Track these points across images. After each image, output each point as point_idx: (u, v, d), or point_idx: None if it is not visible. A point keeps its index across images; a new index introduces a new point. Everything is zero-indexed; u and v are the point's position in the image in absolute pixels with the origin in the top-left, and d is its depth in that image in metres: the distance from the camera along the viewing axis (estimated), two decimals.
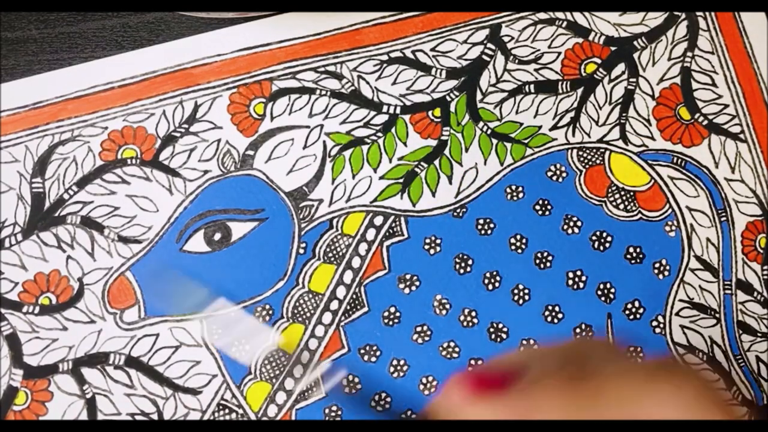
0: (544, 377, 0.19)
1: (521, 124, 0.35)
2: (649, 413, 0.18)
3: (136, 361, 0.33)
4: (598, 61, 0.36)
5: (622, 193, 0.35)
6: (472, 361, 0.33)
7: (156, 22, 0.35)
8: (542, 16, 0.36)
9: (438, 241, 0.34)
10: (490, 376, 0.19)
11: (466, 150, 0.35)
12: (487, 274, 0.34)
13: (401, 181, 0.35)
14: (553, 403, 0.18)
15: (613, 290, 0.34)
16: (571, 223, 0.34)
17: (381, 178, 0.35)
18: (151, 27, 0.35)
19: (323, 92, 0.35)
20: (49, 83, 0.35)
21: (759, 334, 0.34)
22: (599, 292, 0.34)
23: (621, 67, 0.36)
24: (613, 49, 0.36)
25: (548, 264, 0.34)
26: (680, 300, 0.34)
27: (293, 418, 0.33)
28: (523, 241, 0.34)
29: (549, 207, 0.34)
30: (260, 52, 0.35)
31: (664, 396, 0.18)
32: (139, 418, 0.33)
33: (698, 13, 0.36)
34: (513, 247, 0.34)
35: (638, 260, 0.34)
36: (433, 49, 0.36)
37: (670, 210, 0.35)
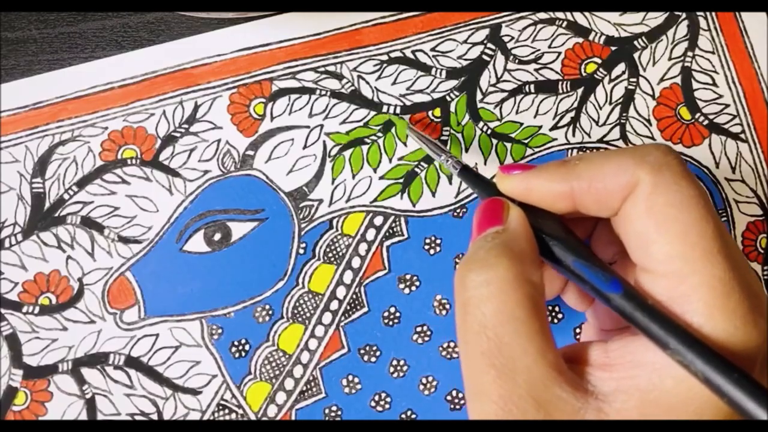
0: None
1: (521, 124, 0.35)
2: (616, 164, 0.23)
3: (136, 361, 0.33)
4: (599, 60, 0.36)
5: None
6: None
7: (156, 22, 0.36)
8: (542, 15, 0.36)
9: (438, 242, 0.34)
10: (515, 165, 0.27)
11: (466, 150, 0.35)
12: None
13: (401, 181, 0.35)
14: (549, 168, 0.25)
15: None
16: None
17: (381, 178, 0.35)
18: (151, 27, 0.35)
19: (323, 92, 0.35)
20: (49, 83, 0.35)
21: None
22: None
23: (621, 66, 0.36)
24: (613, 48, 0.36)
25: None
26: None
27: (293, 418, 0.33)
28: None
29: None
30: (260, 52, 0.35)
31: (622, 158, 0.23)
32: (138, 418, 0.33)
33: (699, 13, 0.36)
34: None
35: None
36: (433, 49, 0.36)
37: None
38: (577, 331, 0.34)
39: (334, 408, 0.33)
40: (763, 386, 0.19)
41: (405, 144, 0.35)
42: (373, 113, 0.35)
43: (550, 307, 0.34)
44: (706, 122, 0.35)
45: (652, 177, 0.22)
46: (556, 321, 0.34)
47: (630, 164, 0.23)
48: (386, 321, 0.33)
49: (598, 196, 0.23)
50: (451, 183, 0.35)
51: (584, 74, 0.36)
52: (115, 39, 0.35)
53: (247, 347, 0.33)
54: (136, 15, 0.35)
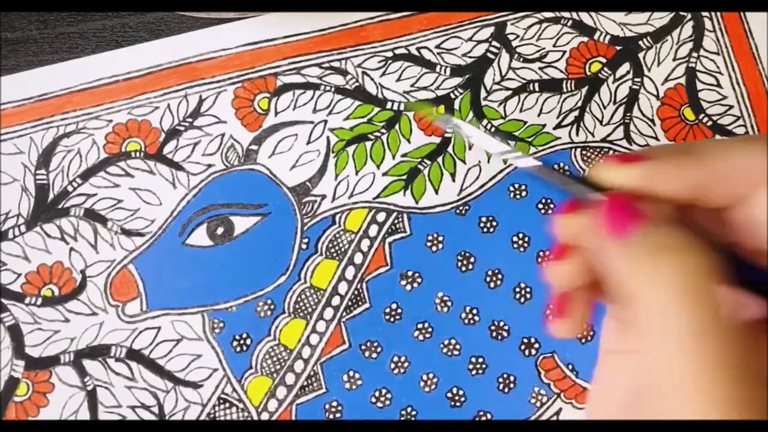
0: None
1: (525, 122, 0.35)
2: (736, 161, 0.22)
3: (138, 353, 0.33)
4: (603, 60, 0.36)
5: None
6: (473, 359, 0.33)
7: (156, 22, 0.36)
8: (547, 14, 0.36)
9: (440, 239, 0.34)
10: (627, 155, 0.23)
11: (470, 148, 0.35)
12: (489, 272, 0.34)
13: (404, 178, 0.35)
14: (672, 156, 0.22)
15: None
16: None
17: (384, 174, 0.35)
18: (151, 27, 0.36)
19: (327, 88, 0.35)
20: (55, 75, 0.35)
21: None
22: None
23: (626, 66, 0.36)
24: (618, 48, 0.36)
25: None
26: None
27: (293, 413, 0.33)
28: (526, 239, 0.34)
29: (552, 206, 0.34)
30: (265, 47, 0.35)
31: (750, 147, 0.22)
32: (139, 410, 0.33)
33: (704, 14, 0.36)
34: (515, 246, 0.34)
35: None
36: (438, 47, 0.36)
37: None
38: None
39: (334, 403, 0.33)
40: None
41: (408, 141, 0.35)
42: (377, 109, 0.35)
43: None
44: (710, 123, 0.35)
45: None
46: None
47: (760, 151, 0.22)
48: (387, 317, 0.33)
49: (727, 185, 0.22)
50: (454, 180, 0.35)
51: (589, 73, 0.36)
52: (115, 39, 0.35)
53: (248, 341, 0.33)
54: (136, 15, 0.36)
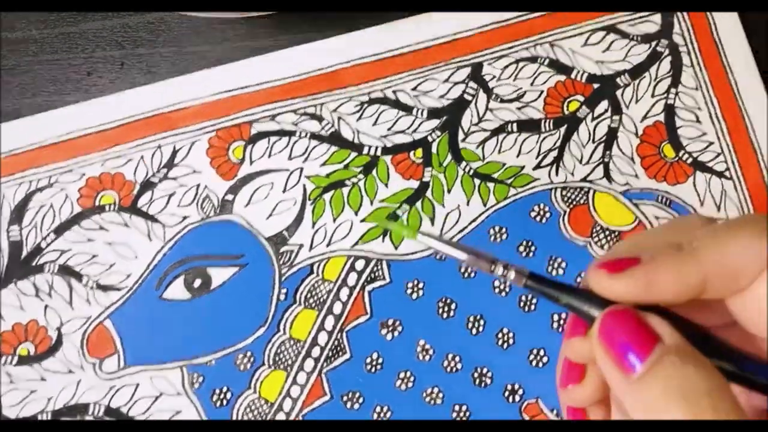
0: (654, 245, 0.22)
1: (504, 164, 0.35)
2: (735, 254, 0.21)
3: (116, 411, 0.33)
4: (581, 98, 0.35)
5: (607, 233, 0.34)
6: (456, 407, 0.33)
7: (156, 22, 0.35)
8: (524, 54, 0.36)
9: (420, 285, 0.34)
10: (617, 260, 0.21)
11: (449, 191, 0.35)
12: (471, 318, 0.33)
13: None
14: (667, 259, 0.21)
15: None
16: (556, 264, 0.34)
17: (362, 221, 0.34)
18: (151, 27, 0.35)
19: (303, 134, 0.35)
20: (27, 129, 0.34)
21: None
22: None
23: (604, 104, 0.35)
24: (596, 86, 0.35)
25: (533, 307, 0.34)
26: None
27: None
28: (507, 283, 0.34)
29: (533, 248, 0.34)
30: (239, 95, 0.35)
31: (746, 235, 0.21)
32: None
33: (682, 49, 0.36)
34: (497, 291, 0.34)
35: None
36: (414, 89, 0.35)
37: None
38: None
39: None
40: None
41: (386, 186, 0.34)
42: (354, 155, 0.35)
43: (535, 351, 0.33)
44: (690, 160, 0.35)
45: None
46: (541, 365, 0.33)
47: (758, 240, 0.21)
48: (369, 367, 0.33)
49: (729, 277, 0.21)
50: (433, 225, 0.34)
51: (567, 112, 0.35)
52: (115, 39, 0.35)
53: (228, 395, 0.33)
54: (136, 15, 0.36)
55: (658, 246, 0.22)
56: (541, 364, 0.33)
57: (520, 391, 0.33)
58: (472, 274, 0.34)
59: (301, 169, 0.35)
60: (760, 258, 0.21)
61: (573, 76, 0.36)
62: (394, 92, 0.35)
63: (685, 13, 0.36)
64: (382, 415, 0.33)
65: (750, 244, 0.21)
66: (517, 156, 0.35)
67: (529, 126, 0.35)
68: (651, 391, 0.19)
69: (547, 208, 0.34)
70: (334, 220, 0.34)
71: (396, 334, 0.33)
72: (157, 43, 0.35)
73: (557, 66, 0.36)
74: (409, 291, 0.34)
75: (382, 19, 0.35)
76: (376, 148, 0.35)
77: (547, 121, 0.35)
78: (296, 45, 0.35)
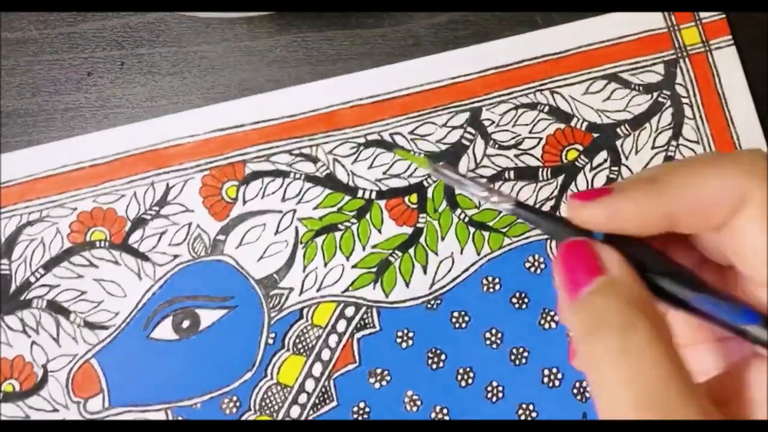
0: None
1: (499, 212, 0.34)
2: (712, 185, 0.21)
3: None
4: (580, 147, 0.35)
5: None
6: None
7: (156, 22, 0.35)
8: (524, 100, 0.35)
9: (410, 335, 0.33)
10: (591, 190, 0.22)
11: (443, 238, 0.34)
12: (461, 370, 0.33)
13: (374, 270, 0.34)
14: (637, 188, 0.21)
15: (589, 390, 0.33)
16: (549, 318, 0.33)
17: (353, 266, 0.34)
18: (151, 27, 0.35)
19: (297, 175, 0.34)
20: (19, 162, 0.34)
21: None
22: (575, 391, 0.33)
23: (603, 154, 0.35)
24: (595, 135, 0.35)
25: (524, 360, 0.33)
26: None
27: None
28: (499, 335, 0.33)
29: (526, 300, 0.34)
30: (234, 134, 0.35)
31: (717, 173, 0.21)
32: None
33: (684, 101, 0.35)
34: (488, 342, 0.33)
35: None
36: (411, 132, 0.35)
37: None
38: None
39: None
40: None
41: (380, 231, 0.34)
42: (348, 198, 0.34)
43: (524, 406, 0.33)
44: None
45: (765, 187, 0.20)
46: (529, 419, 0.33)
47: (735, 176, 0.21)
48: (355, 416, 0.33)
49: (699, 213, 0.21)
50: (425, 273, 0.34)
51: (565, 161, 0.35)
52: (115, 39, 0.35)
53: None
54: (136, 15, 0.35)
55: (633, 180, 0.22)
56: (530, 418, 0.33)
57: None
58: (463, 325, 0.33)
59: (294, 211, 0.34)
60: (737, 194, 0.20)
61: (573, 124, 0.35)
62: (391, 135, 0.35)
63: (688, 63, 0.36)
64: None
65: (726, 180, 0.21)
66: None
67: (527, 174, 0.35)
68: (579, 317, 0.20)
69: (542, 259, 0.34)
70: (326, 264, 0.34)
71: (384, 383, 0.33)
72: (157, 43, 0.35)
73: (557, 113, 0.35)
74: (398, 340, 0.33)
75: (383, 19, 0.35)
76: (371, 191, 0.34)
77: (545, 169, 0.35)
78: (296, 45, 0.35)
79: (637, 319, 0.19)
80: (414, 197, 0.34)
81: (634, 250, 0.22)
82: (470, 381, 0.33)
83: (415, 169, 0.35)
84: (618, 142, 0.35)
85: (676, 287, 0.21)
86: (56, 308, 0.33)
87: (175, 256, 0.34)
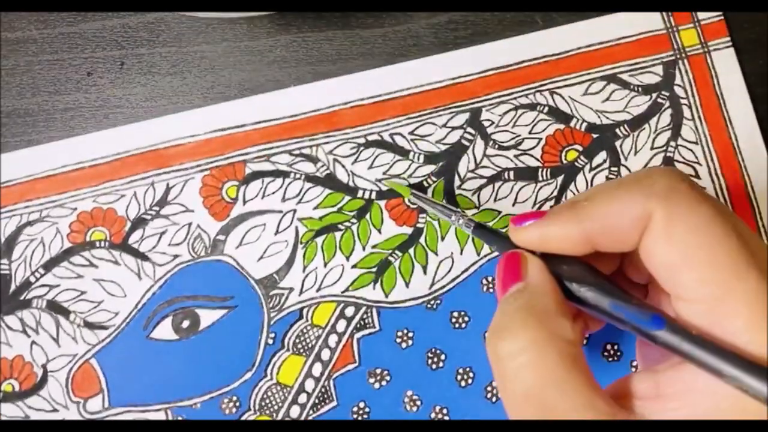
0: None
1: (499, 212, 0.34)
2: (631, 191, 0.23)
3: None
4: (580, 148, 0.35)
5: None
6: None
7: (156, 22, 0.35)
8: (523, 100, 0.35)
9: (410, 335, 0.33)
10: (525, 214, 0.26)
11: (442, 239, 0.34)
12: (460, 371, 0.33)
13: (374, 270, 0.34)
14: (561, 212, 0.25)
15: None
16: None
17: (353, 266, 0.34)
18: (151, 27, 0.35)
19: (297, 175, 0.34)
20: (19, 162, 0.34)
21: None
22: None
23: (602, 155, 0.35)
24: (595, 136, 0.35)
25: None
26: None
27: None
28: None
29: None
30: (234, 134, 0.35)
31: (624, 197, 0.23)
32: None
33: (683, 102, 0.35)
34: None
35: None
36: (411, 133, 0.35)
37: None
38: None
39: None
40: None
41: (379, 231, 0.34)
42: (348, 198, 0.34)
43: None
44: None
45: (665, 207, 0.22)
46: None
47: (639, 198, 0.22)
48: (355, 416, 0.33)
49: (612, 235, 0.23)
50: (425, 273, 0.34)
51: (565, 162, 0.35)
52: (115, 39, 0.35)
53: None
54: (136, 15, 0.35)
55: (561, 206, 0.25)
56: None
57: None
58: (463, 325, 0.33)
59: (294, 211, 0.34)
60: (641, 215, 0.22)
61: (572, 124, 0.35)
62: (392, 135, 0.35)
63: (687, 64, 0.36)
64: None
65: (631, 202, 0.22)
66: (513, 205, 0.35)
67: (526, 174, 0.35)
68: (495, 319, 0.24)
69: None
70: (326, 264, 0.34)
71: (384, 383, 0.33)
72: (157, 43, 0.35)
73: (557, 114, 0.35)
74: (398, 340, 0.33)
75: (382, 19, 0.35)
76: (371, 191, 0.34)
77: (545, 170, 0.35)
78: (296, 45, 0.35)
79: (526, 325, 0.23)
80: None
81: (566, 264, 0.25)
82: (470, 381, 0.33)
83: (417, 169, 0.35)
84: (617, 143, 0.35)
85: (595, 296, 0.24)
86: (56, 308, 0.33)
87: (175, 256, 0.34)
